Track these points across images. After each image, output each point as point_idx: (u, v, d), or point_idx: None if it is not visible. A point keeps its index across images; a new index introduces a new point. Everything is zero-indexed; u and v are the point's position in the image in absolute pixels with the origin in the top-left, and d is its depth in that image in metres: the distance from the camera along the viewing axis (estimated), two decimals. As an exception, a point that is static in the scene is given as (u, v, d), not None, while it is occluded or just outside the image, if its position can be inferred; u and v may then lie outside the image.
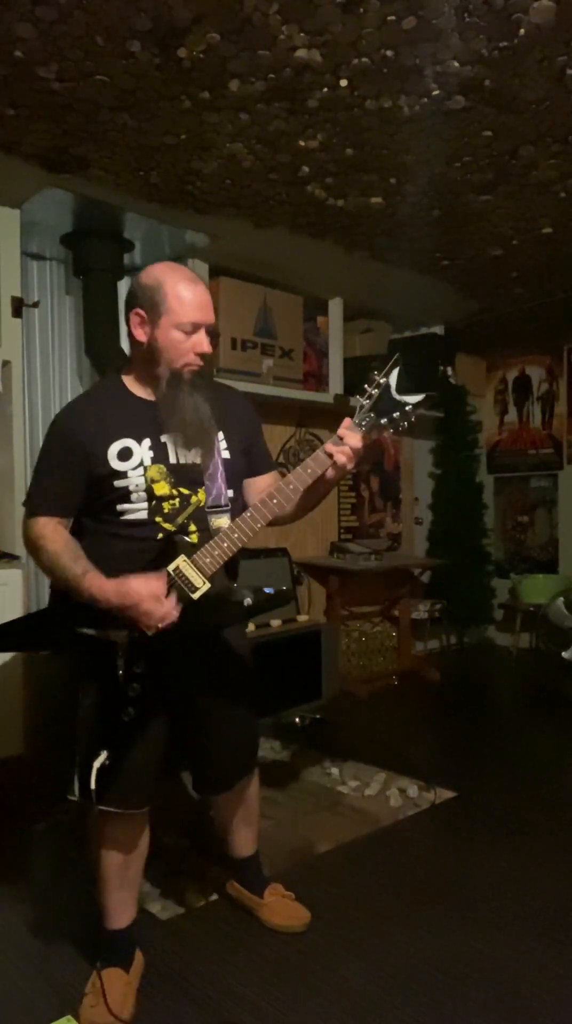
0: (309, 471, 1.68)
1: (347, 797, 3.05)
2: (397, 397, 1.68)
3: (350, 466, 1.69)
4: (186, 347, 1.71)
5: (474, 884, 2.37)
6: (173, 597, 1.64)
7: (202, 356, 1.74)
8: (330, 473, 1.71)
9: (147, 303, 1.72)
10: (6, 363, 3.22)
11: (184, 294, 1.70)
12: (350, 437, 1.67)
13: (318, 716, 3.96)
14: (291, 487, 1.68)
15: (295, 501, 1.73)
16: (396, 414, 1.69)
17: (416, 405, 1.68)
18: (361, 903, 2.26)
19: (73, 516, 1.77)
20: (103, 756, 1.67)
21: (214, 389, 1.84)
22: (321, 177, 3.04)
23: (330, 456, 1.67)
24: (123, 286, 3.90)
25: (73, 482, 1.72)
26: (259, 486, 1.91)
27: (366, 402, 1.69)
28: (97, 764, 1.66)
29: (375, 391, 1.68)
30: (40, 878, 2.45)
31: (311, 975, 1.93)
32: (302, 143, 2.77)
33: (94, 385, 2.13)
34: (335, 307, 4.72)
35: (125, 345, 3.86)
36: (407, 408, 1.68)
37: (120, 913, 1.88)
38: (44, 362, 3.86)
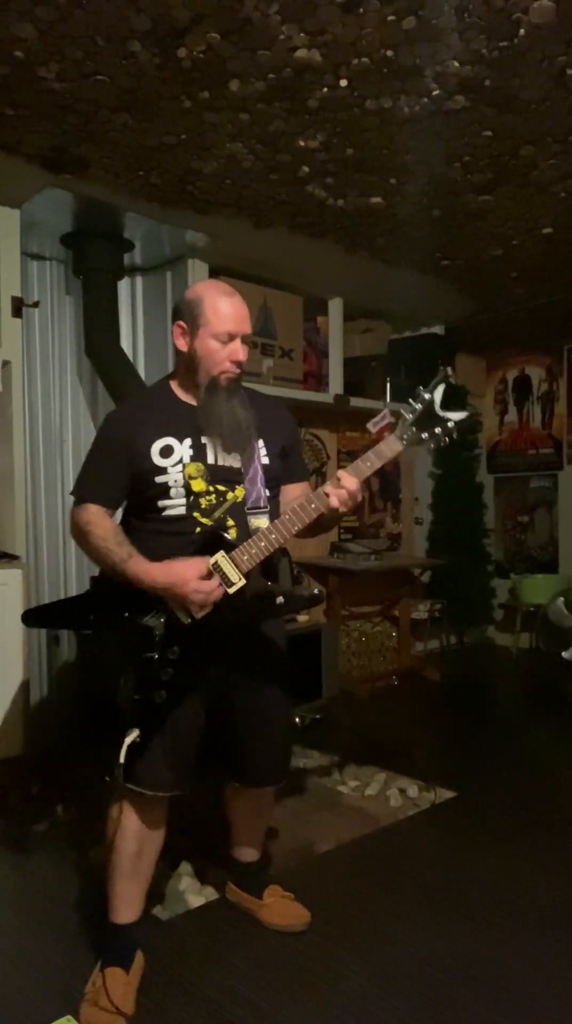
0: (313, 507, 1.73)
1: (347, 797, 3.05)
2: (440, 413, 1.71)
3: (342, 509, 1.72)
4: (222, 356, 1.82)
5: (474, 884, 2.37)
6: (216, 578, 1.72)
7: (238, 364, 1.83)
8: (326, 512, 1.74)
9: (188, 316, 1.84)
10: (6, 363, 3.22)
11: (220, 307, 1.81)
12: (346, 480, 1.71)
13: (318, 716, 3.96)
14: (313, 506, 1.72)
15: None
16: (438, 429, 1.72)
17: (459, 422, 1.71)
18: (361, 903, 2.26)
19: (117, 508, 1.89)
20: (134, 734, 1.75)
21: (256, 397, 1.95)
22: (321, 177, 3.04)
23: (327, 496, 1.70)
24: (123, 286, 3.90)
25: (118, 474, 1.84)
26: (290, 494, 1.97)
27: (409, 416, 1.72)
28: (128, 740, 1.74)
29: (419, 405, 1.71)
30: (40, 878, 2.45)
31: (311, 975, 1.93)
32: (302, 143, 2.77)
33: (145, 388, 2.24)
34: (335, 307, 4.73)
35: (125, 345, 3.89)
36: (449, 424, 1.71)
37: (126, 907, 1.89)
38: (44, 362, 3.86)
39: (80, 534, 1.85)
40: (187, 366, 1.87)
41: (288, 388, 4.28)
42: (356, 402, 4.71)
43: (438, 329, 5.41)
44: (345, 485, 1.70)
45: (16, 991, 1.88)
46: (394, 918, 2.18)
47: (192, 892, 2.31)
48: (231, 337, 1.81)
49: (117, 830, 1.86)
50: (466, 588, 5.69)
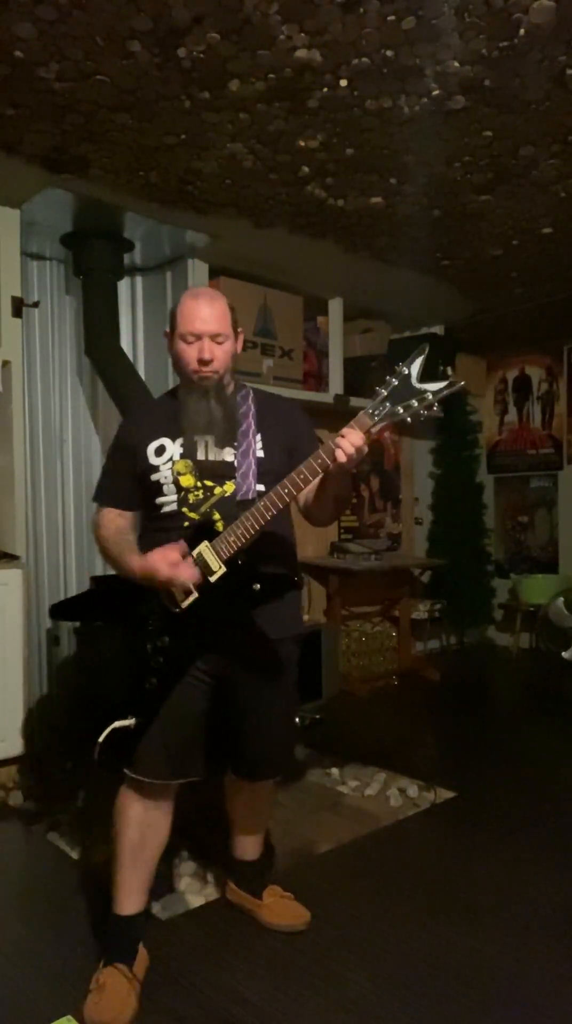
0: (318, 461, 1.69)
1: (347, 797, 3.05)
2: (417, 385, 1.63)
3: (345, 461, 1.65)
4: (190, 356, 1.86)
5: (474, 884, 2.37)
6: (190, 562, 1.76)
7: (205, 363, 1.85)
8: (332, 468, 1.70)
9: (170, 321, 1.93)
10: (6, 363, 3.22)
11: (185, 308, 1.87)
12: (351, 435, 1.66)
13: (318, 716, 3.96)
14: (301, 476, 1.71)
15: (306, 490, 1.77)
16: (415, 402, 1.63)
17: (436, 392, 1.62)
18: (361, 903, 2.26)
19: (131, 510, 1.98)
20: (128, 721, 1.79)
21: (262, 396, 2.00)
22: (321, 177, 3.04)
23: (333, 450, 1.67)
24: (123, 286, 3.90)
25: (126, 478, 1.95)
26: (306, 489, 1.92)
27: (384, 391, 1.65)
28: (115, 724, 1.79)
29: (395, 380, 1.65)
30: (40, 878, 2.45)
31: (311, 975, 1.93)
32: (302, 143, 2.77)
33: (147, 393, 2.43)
34: (335, 307, 4.72)
35: (125, 345, 3.89)
36: (427, 395, 1.62)
37: (127, 896, 1.89)
38: (44, 362, 3.86)
39: (95, 537, 1.99)
40: (175, 369, 1.94)
41: (288, 388, 4.27)
42: (356, 402, 4.70)
43: (438, 329, 5.41)
44: (350, 439, 1.63)
45: (16, 991, 1.88)
46: (394, 918, 2.18)
47: (192, 892, 2.31)
48: (196, 337, 1.84)
49: (121, 817, 1.88)
50: (466, 588, 5.69)
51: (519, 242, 3.77)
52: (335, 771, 3.30)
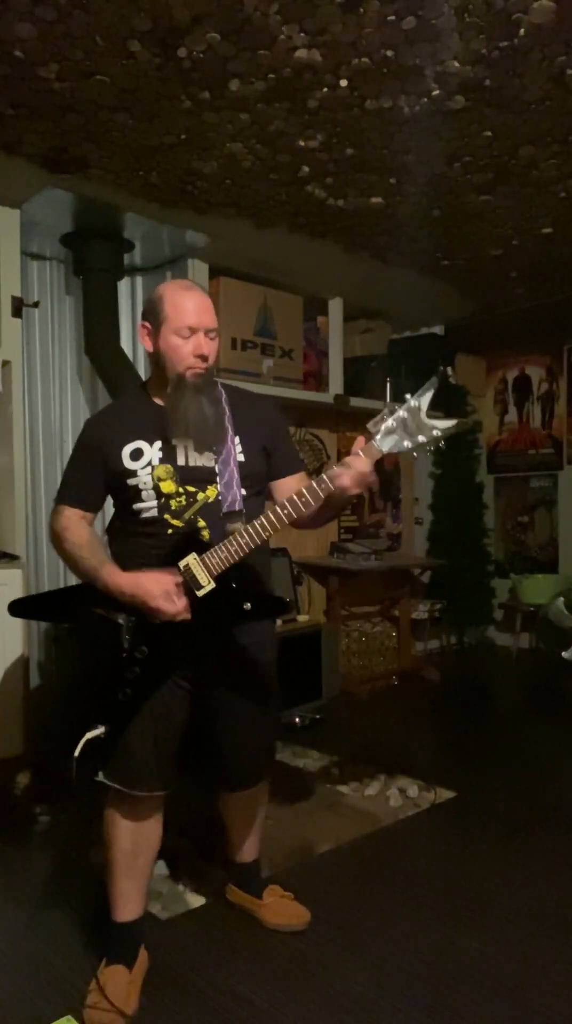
0: (322, 487, 1.65)
1: (347, 797, 3.05)
2: (426, 421, 1.61)
3: (354, 490, 1.65)
4: (185, 351, 1.80)
5: (474, 884, 2.37)
6: (182, 600, 1.71)
7: (203, 358, 1.80)
8: (337, 494, 1.67)
9: (150, 314, 1.84)
10: (6, 363, 3.22)
11: (179, 301, 1.80)
12: (357, 462, 1.63)
13: (318, 716, 3.96)
14: (303, 500, 1.66)
15: (307, 514, 1.71)
16: (421, 438, 1.62)
17: (445, 430, 1.62)
18: (361, 903, 2.26)
19: (95, 511, 1.91)
20: (99, 730, 1.75)
21: (237, 394, 1.94)
22: (321, 177, 3.04)
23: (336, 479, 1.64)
24: (123, 286, 3.90)
25: (93, 478, 1.87)
26: (285, 488, 1.91)
27: (392, 422, 1.62)
28: (89, 735, 1.75)
29: (404, 413, 1.62)
30: (40, 878, 2.45)
31: (311, 975, 1.93)
32: (302, 143, 2.77)
33: (123, 392, 2.20)
34: (335, 307, 4.73)
35: (125, 345, 3.89)
36: (435, 433, 1.62)
37: (124, 905, 1.89)
38: (44, 362, 3.86)
39: (56, 538, 1.87)
40: (156, 366, 1.86)
41: (288, 388, 4.28)
42: (356, 402, 4.71)
43: (438, 329, 5.41)
44: (356, 466, 1.61)
45: (16, 991, 1.88)
46: (394, 918, 2.18)
47: (192, 892, 2.31)
48: (192, 331, 1.78)
49: (111, 829, 1.87)
50: (466, 588, 5.70)
51: (519, 242, 3.77)
52: (335, 771, 3.30)
